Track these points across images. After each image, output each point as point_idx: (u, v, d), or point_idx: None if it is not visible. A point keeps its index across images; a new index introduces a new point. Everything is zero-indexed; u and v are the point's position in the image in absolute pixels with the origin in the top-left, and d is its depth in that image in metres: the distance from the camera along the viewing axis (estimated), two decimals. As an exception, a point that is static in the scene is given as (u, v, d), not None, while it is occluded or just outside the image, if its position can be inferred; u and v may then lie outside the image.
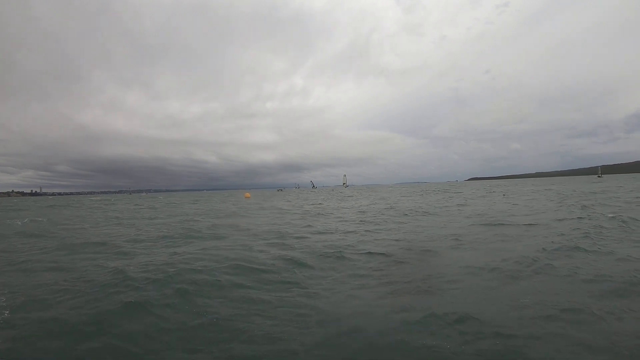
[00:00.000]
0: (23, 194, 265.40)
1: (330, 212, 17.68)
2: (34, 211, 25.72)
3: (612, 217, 10.41)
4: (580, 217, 10.73)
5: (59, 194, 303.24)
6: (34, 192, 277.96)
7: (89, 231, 11.87)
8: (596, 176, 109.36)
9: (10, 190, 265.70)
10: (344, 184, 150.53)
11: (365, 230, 10.21)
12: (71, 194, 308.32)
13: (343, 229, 10.71)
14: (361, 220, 12.74)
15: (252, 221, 14.11)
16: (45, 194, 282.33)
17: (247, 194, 60.48)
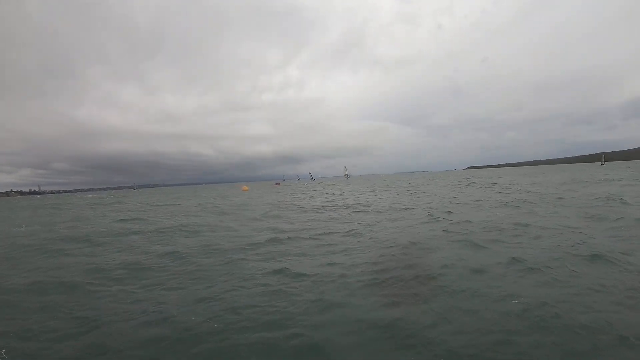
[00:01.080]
0: (22, 193, 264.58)
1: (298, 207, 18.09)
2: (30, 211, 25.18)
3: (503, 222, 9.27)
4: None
5: (58, 192, 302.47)
6: (32, 190, 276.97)
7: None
8: (600, 163, 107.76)
9: (9, 190, 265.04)
10: (345, 175, 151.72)
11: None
12: (70, 191, 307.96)
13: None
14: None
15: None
16: (44, 192, 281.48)
17: (245, 187, 60.56)
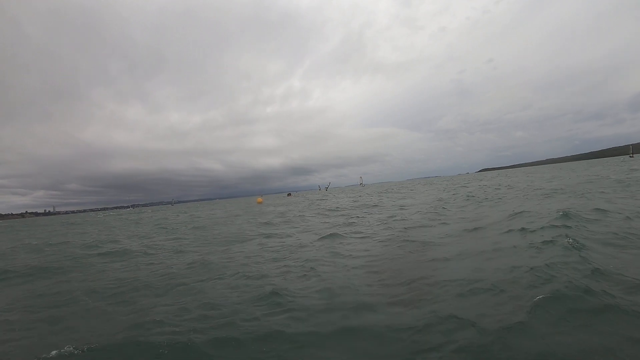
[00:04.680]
0: (37, 214, 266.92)
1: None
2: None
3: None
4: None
5: (72, 212, 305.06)
6: (47, 211, 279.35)
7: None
8: (628, 156, 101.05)
9: (24, 211, 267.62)
10: (360, 183, 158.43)
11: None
12: (84, 211, 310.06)
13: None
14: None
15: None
16: (58, 213, 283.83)
17: (260, 199, 63.00)
